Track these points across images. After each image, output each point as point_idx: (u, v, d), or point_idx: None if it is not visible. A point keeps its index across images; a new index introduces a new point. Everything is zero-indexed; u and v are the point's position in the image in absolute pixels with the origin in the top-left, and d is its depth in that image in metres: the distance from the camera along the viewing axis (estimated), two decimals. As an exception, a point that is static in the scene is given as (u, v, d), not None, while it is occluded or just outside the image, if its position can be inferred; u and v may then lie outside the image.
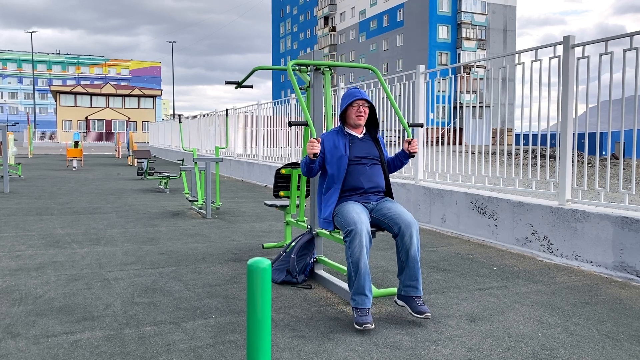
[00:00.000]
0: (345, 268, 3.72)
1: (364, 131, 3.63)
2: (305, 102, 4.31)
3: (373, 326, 3.03)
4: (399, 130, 8.20)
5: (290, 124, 3.50)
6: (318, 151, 3.33)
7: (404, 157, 3.67)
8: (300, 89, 4.36)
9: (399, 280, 3.36)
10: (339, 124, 3.65)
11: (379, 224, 3.43)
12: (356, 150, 3.51)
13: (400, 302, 3.34)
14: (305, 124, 3.63)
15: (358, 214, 3.26)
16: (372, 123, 3.66)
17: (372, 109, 3.60)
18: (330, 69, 4.08)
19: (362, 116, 3.51)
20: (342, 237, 3.40)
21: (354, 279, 3.17)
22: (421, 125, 3.91)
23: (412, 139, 3.56)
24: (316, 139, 3.33)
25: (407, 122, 3.79)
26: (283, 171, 4.67)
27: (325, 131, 3.82)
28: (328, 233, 3.84)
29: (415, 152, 3.58)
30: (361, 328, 3.01)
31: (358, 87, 8.55)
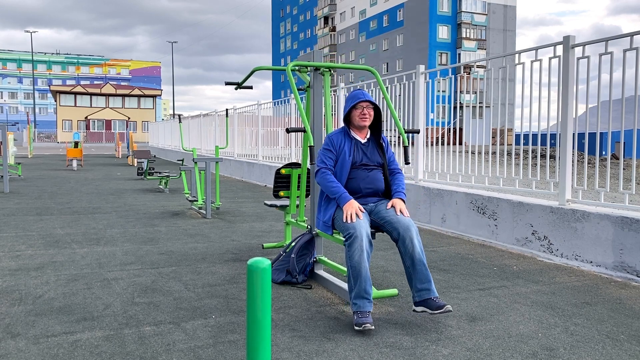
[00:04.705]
0: (345, 268, 3.72)
1: (368, 135, 3.61)
2: (305, 102, 4.30)
3: (373, 327, 3.02)
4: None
5: (288, 131, 3.51)
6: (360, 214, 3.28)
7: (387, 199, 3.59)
8: (300, 89, 4.34)
9: (410, 288, 3.29)
10: (344, 125, 3.64)
11: (378, 226, 3.43)
12: (359, 155, 3.51)
13: (419, 309, 3.24)
14: (304, 131, 3.63)
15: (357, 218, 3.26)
16: (377, 126, 3.64)
17: (377, 110, 3.59)
18: (330, 70, 4.08)
19: (366, 118, 3.49)
20: (342, 239, 3.40)
21: (353, 283, 3.16)
22: (417, 132, 3.89)
23: (399, 208, 3.41)
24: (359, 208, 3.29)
25: (404, 128, 3.77)
26: (283, 171, 4.67)
27: (325, 132, 3.80)
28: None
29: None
30: (360, 328, 2.99)
31: (359, 87, 8.55)
